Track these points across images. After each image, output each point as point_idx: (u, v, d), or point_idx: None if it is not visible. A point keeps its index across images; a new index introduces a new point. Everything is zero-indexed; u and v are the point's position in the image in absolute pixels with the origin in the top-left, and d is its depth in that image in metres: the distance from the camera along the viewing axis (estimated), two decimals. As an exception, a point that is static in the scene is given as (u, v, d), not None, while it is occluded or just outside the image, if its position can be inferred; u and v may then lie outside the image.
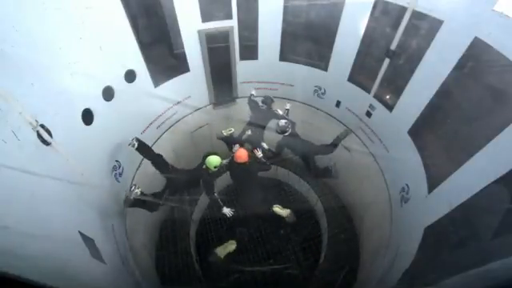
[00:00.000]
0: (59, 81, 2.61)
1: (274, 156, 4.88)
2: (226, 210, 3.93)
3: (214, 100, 5.39)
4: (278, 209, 4.23)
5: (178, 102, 4.85)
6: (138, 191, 3.56)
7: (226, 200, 4.24)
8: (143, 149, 3.82)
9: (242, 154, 3.86)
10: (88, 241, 2.57)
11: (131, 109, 3.83)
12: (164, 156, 4.20)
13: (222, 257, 3.80)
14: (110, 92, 3.42)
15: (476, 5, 2.58)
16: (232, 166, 4.12)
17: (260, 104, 4.76)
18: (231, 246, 3.84)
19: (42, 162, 2.24)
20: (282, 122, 4.24)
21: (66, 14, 2.62)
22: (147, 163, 4.41)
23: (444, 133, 3.30)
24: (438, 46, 3.00)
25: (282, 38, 4.74)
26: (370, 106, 4.30)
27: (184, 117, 5.13)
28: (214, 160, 3.78)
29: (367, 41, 3.97)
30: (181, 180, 4.25)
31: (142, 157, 4.37)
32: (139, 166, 4.29)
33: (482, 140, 2.40)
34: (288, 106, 4.77)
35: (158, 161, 4.05)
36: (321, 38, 4.59)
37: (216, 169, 3.83)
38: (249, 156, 3.90)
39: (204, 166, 3.86)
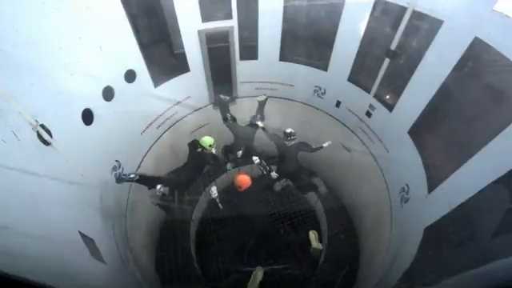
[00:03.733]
0: (59, 81, 2.61)
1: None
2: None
3: (214, 100, 5.39)
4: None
5: (178, 102, 4.85)
6: (133, 176, 3.62)
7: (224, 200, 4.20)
8: (144, 180, 3.82)
9: (244, 180, 3.84)
10: (88, 241, 2.57)
11: (131, 109, 3.82)
12: (164, 156, 4.18)
13: None
14: (110, 92, 3.42)
15: (476, 5, 2.58)
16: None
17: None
18: (259, 273, 3.82)
19: (41, 162, 2.24)
20: (290, 129, 4.36)
21: (65, 13, 2.62)
22: (147, 163, 4.42)
23: (444, 133, 3.30)
24: (438, 46, 3.00)
25: (282, 37, 4.73)
26: (370, 106, 4.30)
27: (184, 117, 5.12)
28: (207, 139, 3.96)
29: (367, 41, 3.96)
30: (182, 178, 4.24)
31: (142, 157, 4.38)
32: (139, 166, 4.30)
33: (482, 140, 2.40)
34: (326, 144, 4.48)
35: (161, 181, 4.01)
36: (321, 38, 4.58)
37: (211, 148, 3.97)
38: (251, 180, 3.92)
39: (199, 150, 4.02)
